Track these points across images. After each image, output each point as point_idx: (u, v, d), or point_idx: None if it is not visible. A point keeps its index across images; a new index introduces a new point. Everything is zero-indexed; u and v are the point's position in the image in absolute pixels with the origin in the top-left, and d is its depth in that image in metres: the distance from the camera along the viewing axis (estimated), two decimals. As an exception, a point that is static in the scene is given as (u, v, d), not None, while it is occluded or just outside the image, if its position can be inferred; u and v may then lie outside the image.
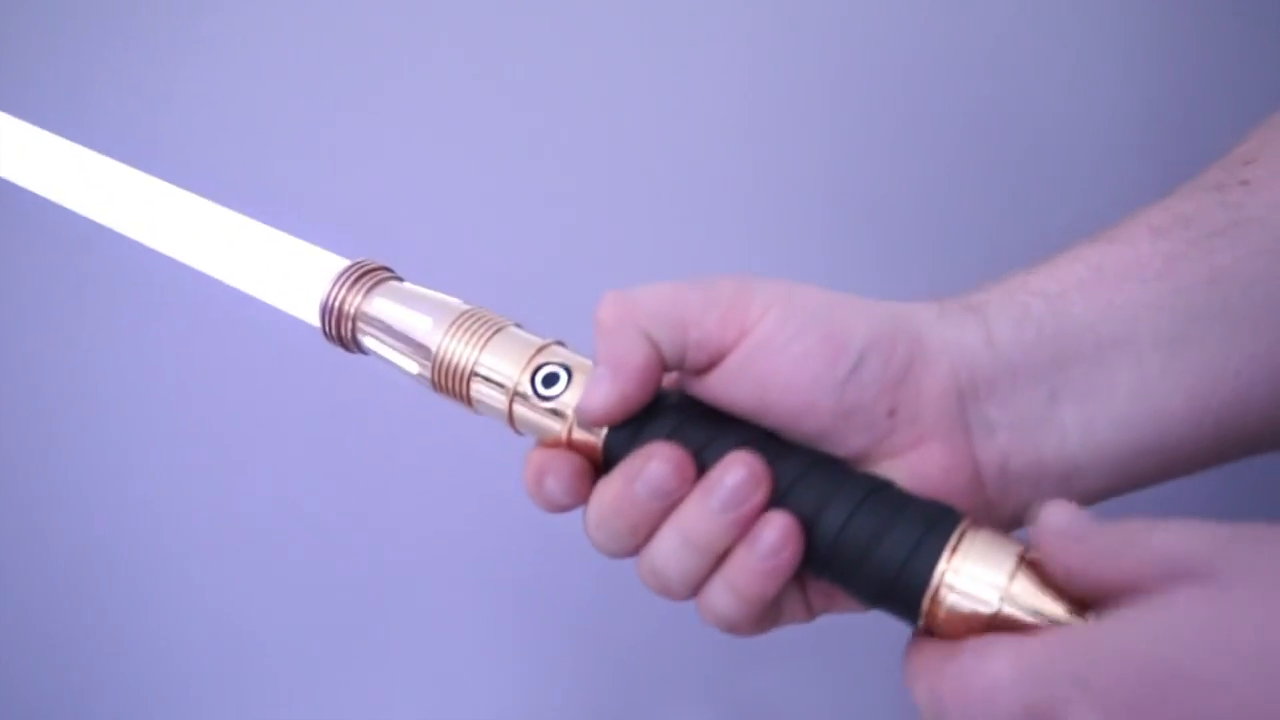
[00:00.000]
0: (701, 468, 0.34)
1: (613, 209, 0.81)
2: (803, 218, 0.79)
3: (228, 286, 0.45)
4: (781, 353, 0.34)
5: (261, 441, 0.89)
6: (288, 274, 0.44)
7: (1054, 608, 0.30)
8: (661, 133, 0.79)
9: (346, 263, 0.43)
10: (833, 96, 0.76)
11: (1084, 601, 0.30)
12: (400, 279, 0.43)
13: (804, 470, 0.34)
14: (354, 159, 0.82)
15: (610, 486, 0.35)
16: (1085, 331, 0.35)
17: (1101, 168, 0.73)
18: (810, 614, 0.37)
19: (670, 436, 0.35)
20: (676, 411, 0.36)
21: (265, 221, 0.46)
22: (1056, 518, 0.30)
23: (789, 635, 0.91)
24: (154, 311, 0.86)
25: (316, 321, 0.43)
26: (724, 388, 0.35)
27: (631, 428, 0.36)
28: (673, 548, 0.34)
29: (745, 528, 0.33)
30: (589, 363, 0.37)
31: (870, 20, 0.75)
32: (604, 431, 0.36)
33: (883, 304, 0.36)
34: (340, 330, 0.42)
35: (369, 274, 0.42)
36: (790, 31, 0.76)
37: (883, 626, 0.35)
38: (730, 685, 0.92)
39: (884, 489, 0.34)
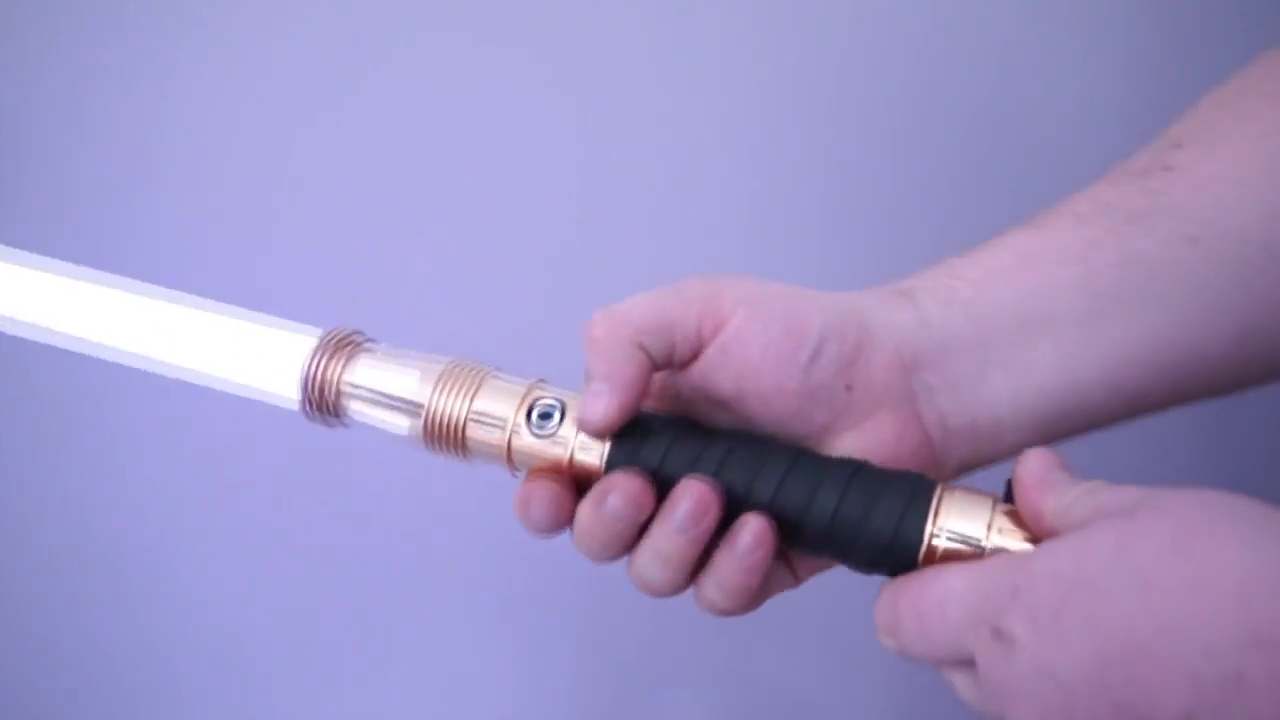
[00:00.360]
0: (718, 479, 0.37)
1: (610, 213, 0.82)
2: (802, 220, 0.80)
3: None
4: (752, 344, 0.38)
5: (260, 443, 0.88)
6: (259, 360, 0.43)
7: (1023, 546, 0.34)
8: (662, 135, 0.80)
9: (316, 338, 0.43)
10: (833, 101, 0.78)
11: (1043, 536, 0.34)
12: (373, 342, 0.43)
13: (791, 463, 0.37)
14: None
15: (585, 509, 0.38)
16: (1006, 313, 0.39)
17: (1104, 169, 0.76)
18: (797, 581, 0.41)
19: (664, 458, 0.38)
20: (671, 430, 0.39)
21: (216, 291, 0.46)
22: (1033, 465, 0.35)
23: (793, 623, 0.91)
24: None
25: (296, 400, 0.43)
26: (704, 378, 0.39)
27: (629, 448, 0.38)
28: (648, 560, 0.38)
29: (704, 543, 0.37)
30: (577, 396, 0.39)
31: (871, 22, 0.76)
32: (605, 454, 0.38)
33: (832, 295, 0.40)
34: (324, 403, 0.42)
35: (343, 343, 0.43)
36: (790, 34, 0.77)
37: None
38: (734, 673, 0.93)
39: (864, 469, 0.37)
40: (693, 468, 0.37)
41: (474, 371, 0.40)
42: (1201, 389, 0.41)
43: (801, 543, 0.37)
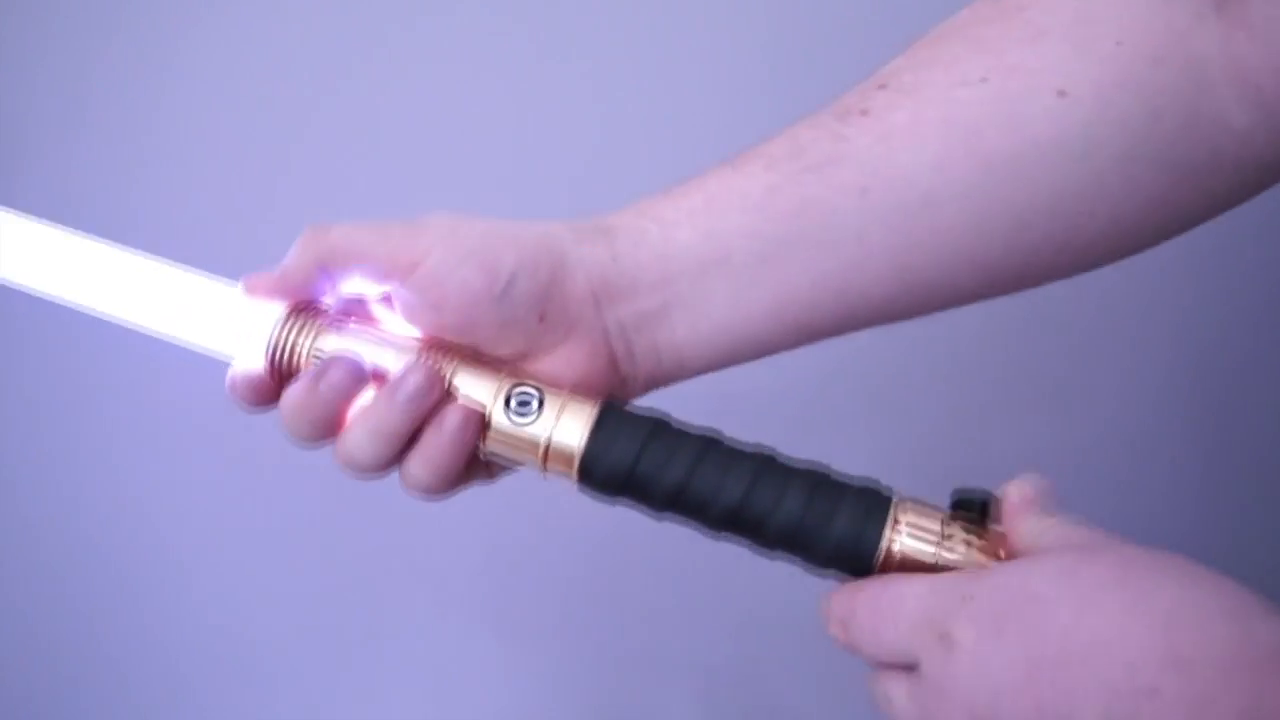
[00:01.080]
0: (689, 482, 0.40)
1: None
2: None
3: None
4: (446, 282, 0.41)
5: (259, 442, 0.87)
6: (233, 318, 0.44)
7: (976, 559, 0.38)
8: (658, 136, 0.82)
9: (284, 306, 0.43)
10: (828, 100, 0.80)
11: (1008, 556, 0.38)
12: (342, 318, 0.44)
13: (758, 469, 0.40)
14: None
15: (299, 389, 0.41)
16: (687, 255, 0.43)
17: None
18: (493, 478, 0.44)
19: (639, 454, 0.40)
20: (648, 428, 0.41)
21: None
22: (1026, 489, 0.39)
23: (791, 627, 0.91)
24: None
25: (262, 361, 0.43)
26: (406, 312, 0.42)
27: (605, 439, 0.40)
28: (362, 435, 0.41)
29: (420, 419, 0.40)
30: (553, 388, 0.41)
31: (867, 20, 0.78)
32: (583, 442, 0.40)
33: (532, 227, 0.43)
34: (293, 366, 0.43)
35: (312, 312, 0.43)
36: (787, 34, 0.79)
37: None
38: (729, 675, 0.95)
39: (826, 479, 0.40)
40: (665, 466, 0.40)
41: (450, 350, 0.42)
42: (864, 323, 0.44)
43: (764, 540, 0.40)
